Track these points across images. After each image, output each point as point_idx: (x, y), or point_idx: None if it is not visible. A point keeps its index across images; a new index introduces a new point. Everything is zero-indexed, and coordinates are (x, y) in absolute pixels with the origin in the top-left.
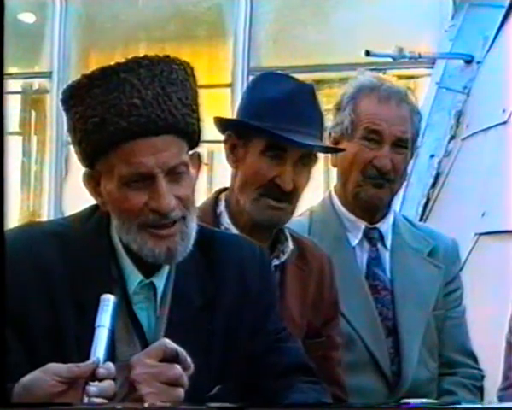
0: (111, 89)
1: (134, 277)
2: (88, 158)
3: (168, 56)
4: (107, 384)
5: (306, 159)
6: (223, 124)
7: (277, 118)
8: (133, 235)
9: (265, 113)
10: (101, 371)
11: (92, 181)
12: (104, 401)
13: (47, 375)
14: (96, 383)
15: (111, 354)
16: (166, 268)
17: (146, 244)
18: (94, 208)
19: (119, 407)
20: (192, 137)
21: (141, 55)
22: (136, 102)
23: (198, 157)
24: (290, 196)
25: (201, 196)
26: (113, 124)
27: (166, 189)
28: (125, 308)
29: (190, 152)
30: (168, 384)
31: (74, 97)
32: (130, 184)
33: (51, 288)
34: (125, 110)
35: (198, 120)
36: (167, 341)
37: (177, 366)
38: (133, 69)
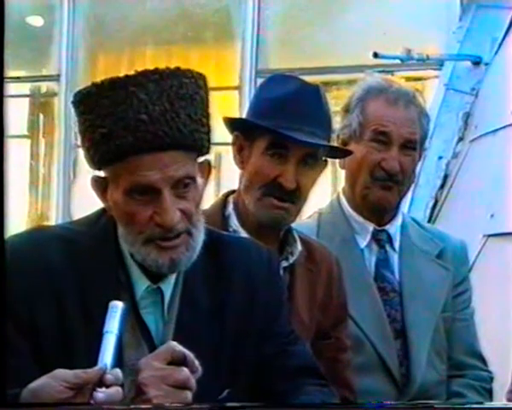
0: (119, 102)
1: (141, 282)
2: (95, 164)
3: (179, 68)
4: (115, 390)
5: (311, 159)
6: (228, 124)
7: (280, 116)
8: (137, 247)
9: (269, 112)
10: (108, 377)
11: (100, 186)
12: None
13: (54, 381)
14: (104, 389)
15: (119, 360)
16: (174, 274)
17: (149, 255)
18: (101, 212)
19: (132, 406)
20: (200, 149)
21: (148, 57)
22: (144, 118)
23: (208, 164)
24: (293, 196)
25: (209, 199)
26: (120, 138)
27: (171, 203)
28: (132, 313)
29: (200, 160)
30: (176, 387)
31: (83, 104)
32: (135, 196)
33: (59, 292)
34: (132, 125)
35: (208, 132)
36: (175, 344)
37: (185, 369)
38: (142, 83)
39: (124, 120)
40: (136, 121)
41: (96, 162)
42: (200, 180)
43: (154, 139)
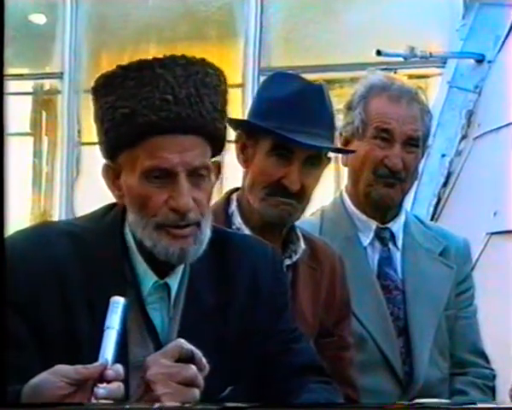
0: (145, 82)
1: (148, 278)
2: (112, 149)
3: (204, 59)
4: (116, 386)
5: (315, 159)
6: (233, 124)
7: (284, 118)
8: (149, 231)
9: (273, 113)
10: (109, 372)
11: (112, 173)
12: (112, 403)
13: (55, 377)
14: (105, 384)
15: (123, 356)
16: (180, 269)
17: (160, 242)
18: (107, 208)
19: (128, 406)
20: (218, 142)
21: (151, 55)
22: (169, 98)
23: (218, 166)
24: (298, 196)
25: (213, 196)
26: (143, 116)
27: (187, 188)
28: (138, 309)
29: (212, 160)
30: (184, 385)
31: (106, 87)
32: (151, 179)
33: (64, 288)
34: (156, 105)
35: (225, 127)
36: (183, 341)
37: (193, 367)
38: (169, 66)
39: (148, 99)
40: (160, 101)
41: (112, 146)
42: (212, 177)
43: (177, 120)
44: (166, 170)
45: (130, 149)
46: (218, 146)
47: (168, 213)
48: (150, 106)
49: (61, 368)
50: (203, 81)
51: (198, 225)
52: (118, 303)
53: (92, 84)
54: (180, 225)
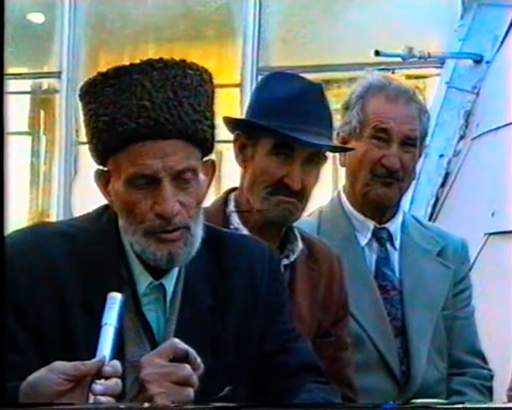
0: (123, 89)
1: (144, 278)
2: (99, 156)
3: (184, 61)
4: (113, 382)
5: (315, 158)
6: (231, 124)
7: (286, 117)
8: (137, 237)
9: (274, 112)
10: (107, 369)
11: (103, 179)
12: (110, 399)
13: (53, 373)
14: (102, 381)
15: (120, 355)
16: (176, 269)
17: (149, 247)
18: (104, 209)
19: (123, 406)
20: (203, 143)
21: (150, 55)
22: (146, 105)
23: (212, 164)
24: (299, 195)
25: (210, 196)
26: (122, 124)
27: (171, 193)
28: (134, 309)
29: (204, 159)
30: (178, 384)
31: (89, 94)
32: (136, 186)
33: (61, 288)
34: (134, 111)
35: (212, 127)
36: (177, 341)
37: (187, 366)
38: (146, 71)
39: (127, 107)
40: (138, 108)
41: (99, 153)
42: (203, 177)
43: (156, 126)
44: (149, 176)
45: (114, 156)
46: (205, 147)
47: (154, 218)
48: (129, 113)
49: (59, 365)
50: (181, 84)
51: (187, 228)
52: (115, 299)
53: (78, 91)
54: (168, 230)
